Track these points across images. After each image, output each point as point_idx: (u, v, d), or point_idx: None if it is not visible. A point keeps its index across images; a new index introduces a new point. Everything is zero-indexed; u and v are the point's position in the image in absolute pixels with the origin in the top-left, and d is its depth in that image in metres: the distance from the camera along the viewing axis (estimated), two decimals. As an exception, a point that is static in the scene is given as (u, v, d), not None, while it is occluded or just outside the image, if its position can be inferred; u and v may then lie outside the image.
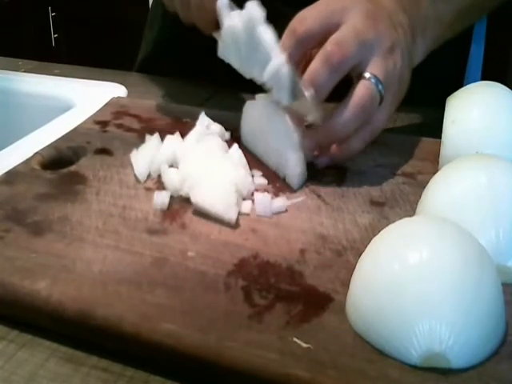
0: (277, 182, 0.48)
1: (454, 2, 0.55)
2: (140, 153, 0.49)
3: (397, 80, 0.48)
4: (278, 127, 0.48)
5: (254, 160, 0.50)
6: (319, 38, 0.46)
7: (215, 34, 0.50)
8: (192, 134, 0.50)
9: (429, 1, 0.52)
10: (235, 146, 0.49)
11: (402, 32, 0.48)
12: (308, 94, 0.45)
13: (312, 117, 0.47)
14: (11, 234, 0.42)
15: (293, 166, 0.47)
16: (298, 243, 0.41)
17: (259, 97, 0.50)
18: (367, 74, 0.46)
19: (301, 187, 0.47)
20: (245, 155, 0.49)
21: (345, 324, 0.34)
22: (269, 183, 0.48)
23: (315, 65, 0.45)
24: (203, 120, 0.52)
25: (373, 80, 0.46)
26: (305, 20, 0.46)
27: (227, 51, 0.49)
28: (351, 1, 0.47)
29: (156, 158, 0.48)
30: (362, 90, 0.46)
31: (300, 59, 0.47)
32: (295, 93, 0.46)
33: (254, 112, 0.51)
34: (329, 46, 0.45)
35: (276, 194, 0.46)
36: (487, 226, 0.37)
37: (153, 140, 0.50)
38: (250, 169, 0.48)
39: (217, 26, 0.49)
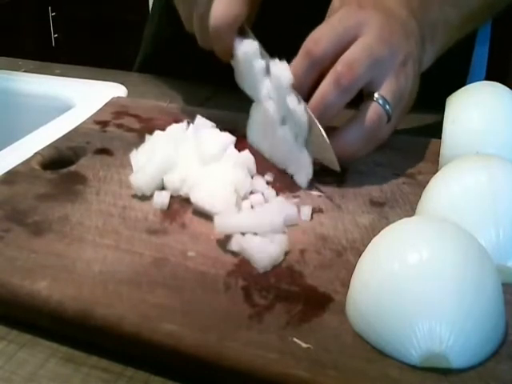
0: (277, 182, 0.48)
1: (463, 6, 0.54)
2: (139, 171, 0.47)
3: (407, 94, 0.48)
4: (286, 128, 0.48)
5: (259, 159, 0.50)
6: (334, 58, 0.46)
7: (232, 62, 0.50)
8: (187, 136, 0.50)
9: (438, 7, 0.52)
10: (232, 147, 0.49)
11: (414, 41, 0.48)
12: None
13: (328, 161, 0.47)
14: (11, 233, 0.42)
15: (305, 166, 0.47)
16: (298, 243, 0.41)
17: None
18: (377, 95, 0.46)
19: (300, 187, 0.48)
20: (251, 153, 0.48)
21: (345, 324, 0.34)
22: (269, 183, 0.48)
23: (325, 86, 0.45)
24: (199, 122, 0.51)
25: (381, 101, 0.46)
26: (320, 41, 0.46)
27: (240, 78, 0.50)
28: (365, 13, 0.46)
29: (155, 176, 0.47)
30: (370, 113, 0.46)
31: (315, 81, 0.47)
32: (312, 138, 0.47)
33: (262, 112, 0.51)
34: (339, 66, 0.45)
35: (276, 194, 0.46)
36: (487, 226, 0.37)
37: (157, 145, 0.49)
38: (257, 168, 0.48)
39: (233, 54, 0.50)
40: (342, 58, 0.45)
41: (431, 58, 0.53)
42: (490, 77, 0.54)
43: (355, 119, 0.47)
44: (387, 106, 0.46)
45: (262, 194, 0.46)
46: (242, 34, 0.50)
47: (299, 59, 0.46)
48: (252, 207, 0.44)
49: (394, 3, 0.49)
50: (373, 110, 0.46)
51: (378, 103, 0.46)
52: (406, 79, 0.47)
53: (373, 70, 0.45)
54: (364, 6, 0.47)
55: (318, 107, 0.45)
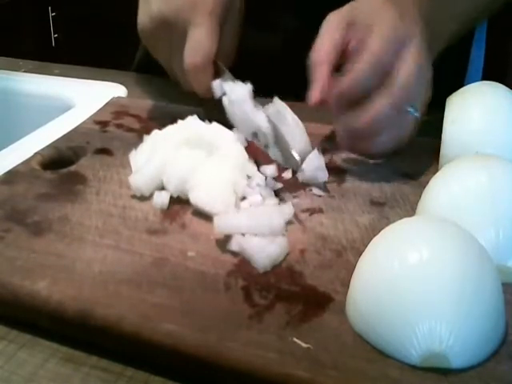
0: (277, 182, 0.48)
1: (458, 20, 0.56)
2: (138, 172, 0.47)
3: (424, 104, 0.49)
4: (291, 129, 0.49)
5: (259, 158, 0.50)
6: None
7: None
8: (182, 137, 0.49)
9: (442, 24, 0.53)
10: (228, 145, 0.48)
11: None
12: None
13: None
14: (11, 234, 0.42)
15: (321, 167, 0.47)
16: (297, 243, 0.41)
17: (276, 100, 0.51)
18: (414, 109, 0.48)
19: (300, 187, 0.47)
20: (253, 152, 0.48)
21: (345, 324, 0.34)
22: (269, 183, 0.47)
23: (380, 105, 0.46)
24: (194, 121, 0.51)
25: (418, 115, 0.48)
26: (379, 47, 0.46)
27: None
28: (408, 27, 0.48)
29: (154, 177, 0.47)
30: (409, 123, 0.48)
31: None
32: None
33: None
34: (396, 89, 0.46)
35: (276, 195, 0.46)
36: (487, 226, 0.37)
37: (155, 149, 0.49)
38: (258, 166, 0.48)
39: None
40: (398, 80, 0.46)
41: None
42: (488, 77, 0.55)
43: (394, 124, 0.47)
44: (417, 115, 0.48)
45: (261, 194, 0.46)
46: (220, 73, 0.52)
47: (367, 65, 0.46)
48: (250, 207, 0.44)
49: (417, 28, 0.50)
50: (411, 122, 0.48)
51: (416, 117, 0.48)
52: (425, 92, 0.49)
53: (421, 89, 0.48)
54: (404, 16, 0.48)
55: (369, 122, 0.46)
